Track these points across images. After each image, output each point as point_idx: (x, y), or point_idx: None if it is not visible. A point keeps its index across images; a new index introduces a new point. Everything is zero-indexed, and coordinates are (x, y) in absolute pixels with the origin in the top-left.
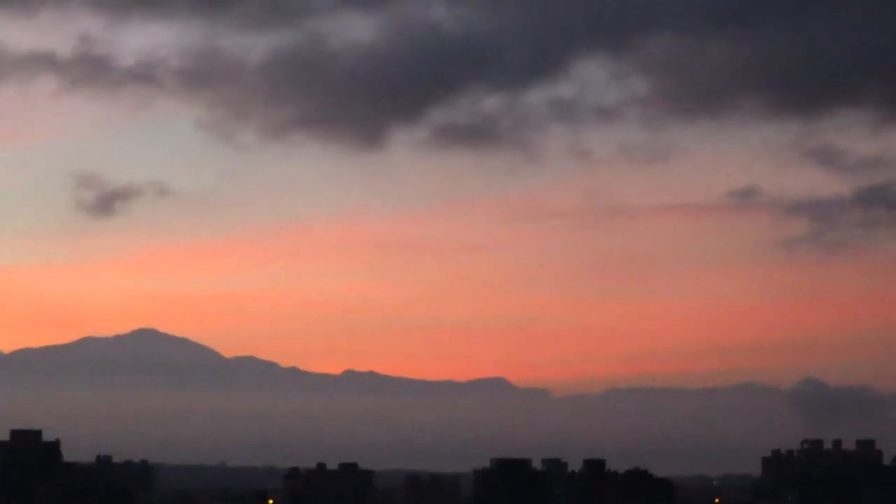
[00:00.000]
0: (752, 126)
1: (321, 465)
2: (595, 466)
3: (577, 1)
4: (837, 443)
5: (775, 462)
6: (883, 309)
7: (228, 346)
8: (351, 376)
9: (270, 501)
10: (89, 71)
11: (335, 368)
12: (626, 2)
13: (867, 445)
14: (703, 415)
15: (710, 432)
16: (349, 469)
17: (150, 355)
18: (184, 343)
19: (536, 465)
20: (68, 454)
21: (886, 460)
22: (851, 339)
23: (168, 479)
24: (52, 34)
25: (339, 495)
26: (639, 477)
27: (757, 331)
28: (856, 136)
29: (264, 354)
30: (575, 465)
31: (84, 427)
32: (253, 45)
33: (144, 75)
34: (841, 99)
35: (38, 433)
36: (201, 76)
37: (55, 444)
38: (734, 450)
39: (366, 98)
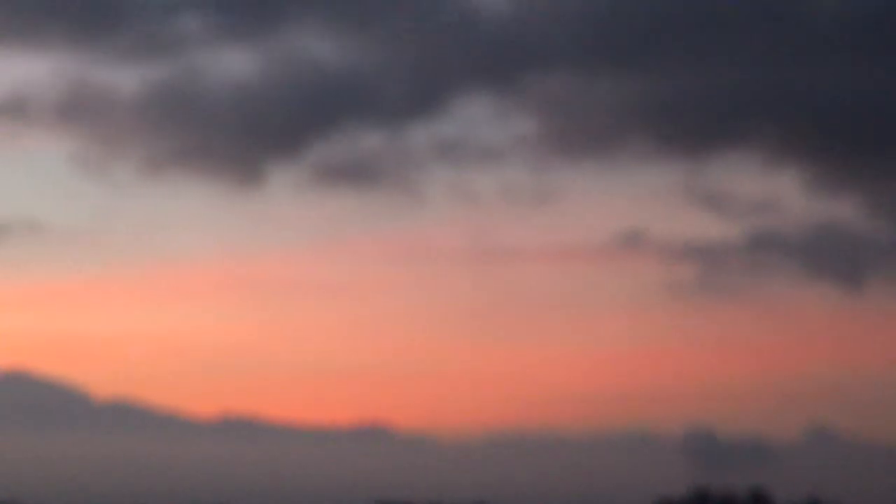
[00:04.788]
0: (640, 167)
1: None
2: None
3: (462, 37)
4: (727, 488)
5: None
6: (773, 355)
7: (102, 389)
8: (229, 421)
9: None
10: None
11: (212, 413)
12: (511, 39)
13: (757, 490)
14: (589, 462)
15: (597, 480)
16: None
17: (18, 398)
18: (55, 386)
19: None
20: None
21: None
22: (741, 385)
23: None
24: None
25: None
26: None
27: (644, 377)
28: (744, 177)
29: (139, 397)
30: None
31: None
32: (128, 77)
33: (14, 108)
34: (729, 139)
35: None
36: (74, 109)
37: None
38: (620, 498)
39: (244, 134)
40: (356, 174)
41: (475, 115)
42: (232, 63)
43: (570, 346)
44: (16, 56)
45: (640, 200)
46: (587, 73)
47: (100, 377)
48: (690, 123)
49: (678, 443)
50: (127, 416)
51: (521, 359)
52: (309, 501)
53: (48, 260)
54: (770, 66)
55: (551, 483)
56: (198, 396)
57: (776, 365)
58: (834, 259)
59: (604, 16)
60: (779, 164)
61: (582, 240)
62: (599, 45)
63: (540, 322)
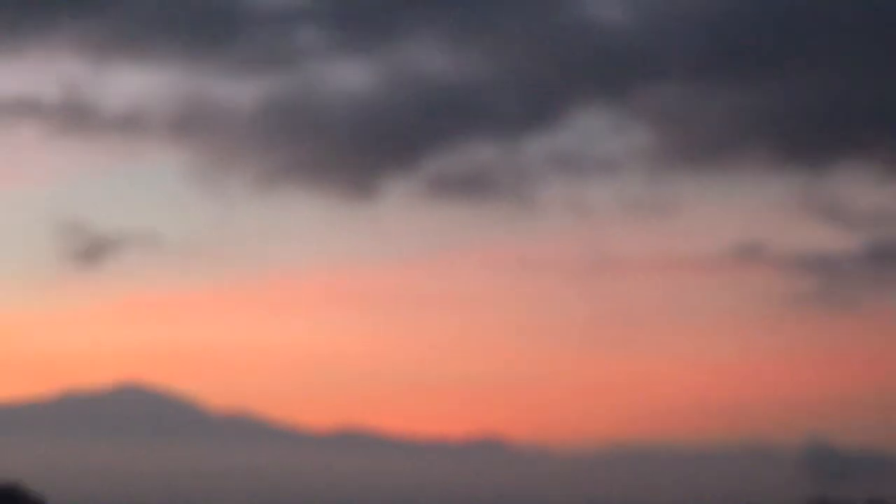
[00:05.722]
0: (757, 178)
1: None
2: None
3: (577, 49)
4: (845, 500)
5: None
6: (892, 367)
7: (215, 401)
8: (343, 434)
9: None
10: (75, 117)
11: (326, 425)
12: (626, 50)
13: (876, 502)
14: (704, 475)
15: (712, 493)
16: None
17: (133, 411)
18: (169, 398)
19: None
20: None
21: None
22: (860, 398)
23: None
24: (37, 79)
25: None
26: None
27: (761, 388)
28: (863, 188)
29: (252, 410)
30: None
31: (64, 485)
32: (243, 91)
33: (132, 121)
34: (848, 149)
35: (22, 484)
36: (190, 123)
37: (38, 497)
38: None
39: (358, 146)
40: (470, 186)
41: (590, 127)
42: (347, 76)
43: (685, 357)
44: (133, 70)
45: (758, 212)
46: (703, 83)
47: (214, 389)
48: (808, 134)
49: (796, 455)
50: (242, 429)
51: (636, 370)
52: None
53: (164, 272)
54: (889, 76)
55: (665, 496)
56: (312, 409)
57: (895, 376)
58: None
59: (719, 26)
60: None
61: (698, 251)
62: (715, 55)
63: (655, 333)
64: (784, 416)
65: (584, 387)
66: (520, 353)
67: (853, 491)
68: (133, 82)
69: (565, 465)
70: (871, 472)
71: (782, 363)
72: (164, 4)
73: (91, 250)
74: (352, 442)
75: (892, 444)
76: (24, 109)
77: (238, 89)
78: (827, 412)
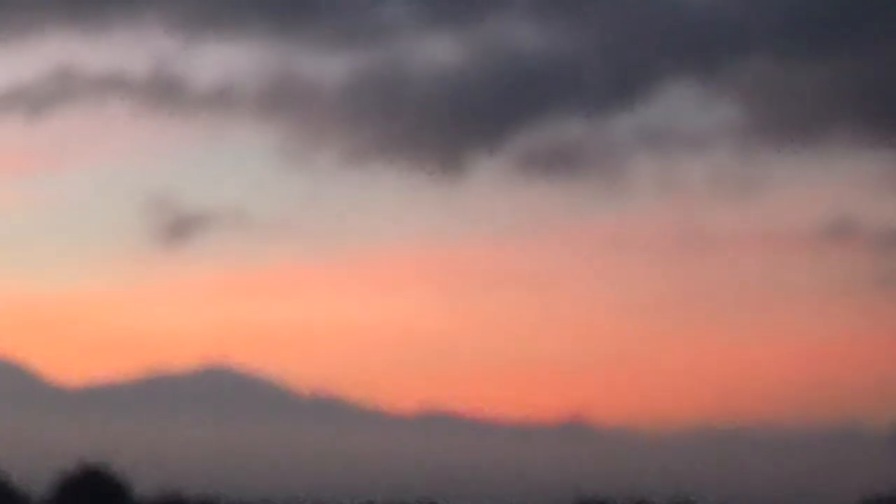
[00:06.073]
0: (849, 154)
1: None
2: None
3: (665, 23)
4: None
5: None
6: None
7: (302, 382)
8: (427, 417)
9: None
10: (163, 93)
11: (411, 407)
12: (715, 24)
13: None
14: (794, 457)
15: (802, 475)
16: None
17: (219, 392)
18: (256, 379)
19: None
20: (138, 490)
21: None
22: None
23: None
24: (125, 55)
25: None
26: None
27: (853, 369)
28: None
29: (339, 391)
30: None
31: (152, 464)
32: (331, 67)
33: (220, 98)
34: None
35: (107, 467)
36: (278, 99)
37: (123, 479)
38: (826, 496)
39: (447, 123)
40: (559, 163)
41: (679, 102)
42: (435, 51)
43: (777, 336)
44: (219, 47)
45: (850, 188)
46: (794, 57)
47: (301, 370)
48: (884, 107)
49: (888, 438)
50: (327, 411)
51: (726, 350)
52: (508, 498)
53: (252, 250)
54: None
55: (755, 478)
56: (398, 390)
57: None
58: None
59: None
60: None
61: (790, 229)
62: (804, 27)
63: (746, 312)
64: (876, 397)
65: (673, 368)
66: (608, 333)
67: None
68: (221, 58)
69: (653, 448)
70: None
71: (874, 343)
72: None
73: (178, 227)
74: (437, 424)
75: None
76: (113, 86)
77: (326, 64)
78: None
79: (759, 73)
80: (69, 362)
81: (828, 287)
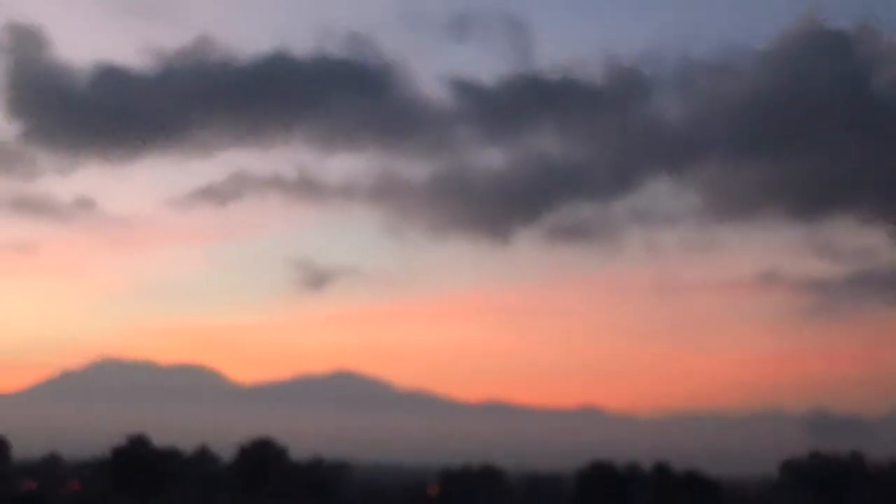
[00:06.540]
0: (776, 227)
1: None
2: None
3: (647, 136)
4: None
5: None
6: (867, 358)
7: (402, 381)
8: (489, 405)
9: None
10: (306, 188)
11: (478, 399)
12: (682, 136)
13: None
14: (741, 431)
15: (746, 444)
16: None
17: (346, 389)
18: (370, 380)
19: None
20: (293, 456)
21: None
22: (851, 377)
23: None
24: (281, 163)
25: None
26: None
27: (779, 372)
28: (850, 232)
29: (427, 388)
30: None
31: (302, 438)
32: (419, 168)
33: (344, 191)
34: (839, 204)
35: (270, 441)
36: (383, 191)
37: (282, 448)
38: (760, 457)
39: (498, 206)
40: (575, 233)
41: (658, 191)
42: (489, 157)
43: (726, 351)
44: (344, 155)
45: (777, 250)
46: (736, 158)
47: (401, 373)
48: (810, 193)
49: (802, 419)
50: (421, 402)
51: (692, 360)
52: (544, 460)
53: (365, 294)
54: (870, 150)
55: (712, 447)
56: (470, 386)
57: None
58: None
59: (748, 116)
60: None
61: (735, 278)
62: (743, 139)
63: (705, 334)
64: (796, 391)
65: (656, 372)
66: (610, 348)
67: (841, 445)
68: (345, 164)
69: (645, 427)
70: (855, 433)
71: (795, 354)
72: (365, 109)
73: (316, 279)
74: (497, 410)
75: (871, 410)
76: (272, 184)
77: (416, 167)
78: (826, 386)
79: (713, 171)
80: (245, 368)
81: (762, 317)
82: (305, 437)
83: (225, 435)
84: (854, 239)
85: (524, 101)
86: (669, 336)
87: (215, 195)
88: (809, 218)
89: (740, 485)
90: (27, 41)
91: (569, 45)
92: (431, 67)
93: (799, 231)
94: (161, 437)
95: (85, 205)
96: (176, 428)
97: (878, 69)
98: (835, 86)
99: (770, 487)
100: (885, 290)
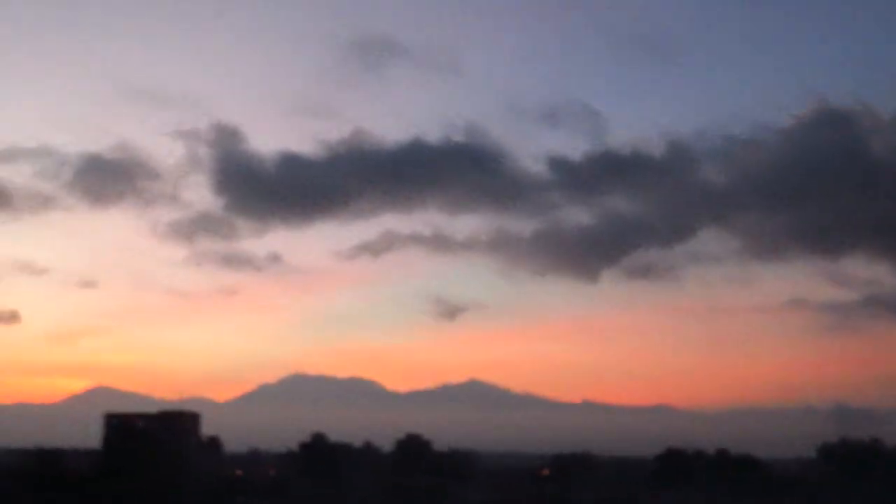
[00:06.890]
0: (802, 263)
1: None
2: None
3: (696, 195)
4: None
5: None
6: (871, 366)
7: (515, 385)
8: (585, 404)
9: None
10: (439, 242)
11: (576, 399)
12: (724, 194)
13: None
14: (790, 423)
15: (778, 435)
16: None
17: (475, 394)
18: (490, 386)
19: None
20: (436, 447)
21: None
22: (865, 378)
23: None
24: (419, 223)
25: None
26: None
27: (806, 377)
28: (856, 265)
29: (535, 391)
30: None
31: (443, 432)
32: (524, 225)
33: (468, 243)
34: (845, 249)
35: (419, 436)
36: (496, 243)
37: (428, 442)
38: (787, 444)
39: (586, 253)
40: (646, 273)
41: (707, 239)
42: (578, 215)
43: (761, 362)
44: (467, 217)
45: (803, 280)
46: (769, 209)
47: (514, 379)
48: (827, 237)
49: (825, 411)
50: (531, 402)
51: (736, 369)
52: (627, 447)
53: (488, 321)
54: (869, 201)
55: (753, 436)
56: (569, 390)
57: None
58: None
59: (776, 179)
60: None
61: (770, 303)
62: (773, 196)
63: (743, 349)
64: (819, 389)
65: (712, 376)
66: (676, 358)
67: (859, 432)
68: (469, 223)
69: (707, 420)
70: (871, 422)
71: (819, 365)
72: (482, 181)
73: (449, 311)
74: (590, 408)
75: (883, 404)
76: (413, 239)
77: (521, 224)
78: (846, 386)
79: (750, 221)
80: (399, 379)
81: (792, 334)
82: (445, 432)
83: (384, 432)
84: (864, 271)
85: (602, 171)
86: (721, 348)
87: (371, 249)
88: (827, 255)
89: (783, 465)
90: (228, 136)
91: (635, 127)
92: (531, 148)
93: (819, 266)
94: (336, 434)
95: (274, 259)
96: (347, 427)
97: (876, 139)
98: (842, 153)
99: (808, 467)
100: (890, 311)
